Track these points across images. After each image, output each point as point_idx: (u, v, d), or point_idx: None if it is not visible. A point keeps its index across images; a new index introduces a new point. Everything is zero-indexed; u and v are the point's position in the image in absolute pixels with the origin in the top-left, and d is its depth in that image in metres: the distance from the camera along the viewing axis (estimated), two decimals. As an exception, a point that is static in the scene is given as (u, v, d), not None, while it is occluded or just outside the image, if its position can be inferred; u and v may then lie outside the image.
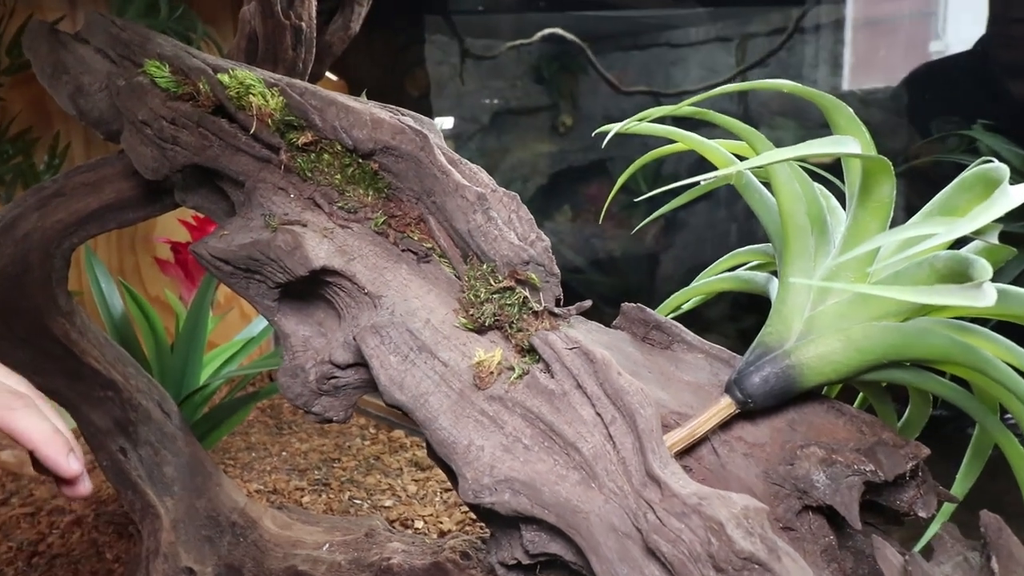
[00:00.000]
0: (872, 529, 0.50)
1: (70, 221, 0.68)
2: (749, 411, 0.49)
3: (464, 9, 2.19)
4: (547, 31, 2.19)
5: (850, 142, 0.39)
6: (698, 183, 0.53)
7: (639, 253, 2.13)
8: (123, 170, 0.72)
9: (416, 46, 2.09)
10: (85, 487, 0.50)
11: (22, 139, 1.14)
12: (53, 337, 0.72)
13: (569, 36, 2.20)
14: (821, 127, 0.44)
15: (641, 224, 0.66)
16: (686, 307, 0.63)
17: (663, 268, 2.11)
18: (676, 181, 0.53)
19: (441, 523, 0.94)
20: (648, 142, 0.58)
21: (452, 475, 0.50)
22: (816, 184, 0.50)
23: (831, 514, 0.48)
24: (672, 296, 0.62)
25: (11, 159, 1.13)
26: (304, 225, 0.55)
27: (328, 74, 0.84)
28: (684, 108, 0.46)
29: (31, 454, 0.48)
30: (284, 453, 1.15)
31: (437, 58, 2.15)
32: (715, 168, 0.53)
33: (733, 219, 2.01)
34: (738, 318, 1.72)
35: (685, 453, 0.49)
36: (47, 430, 0.47)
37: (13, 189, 1.13)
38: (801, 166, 0.48)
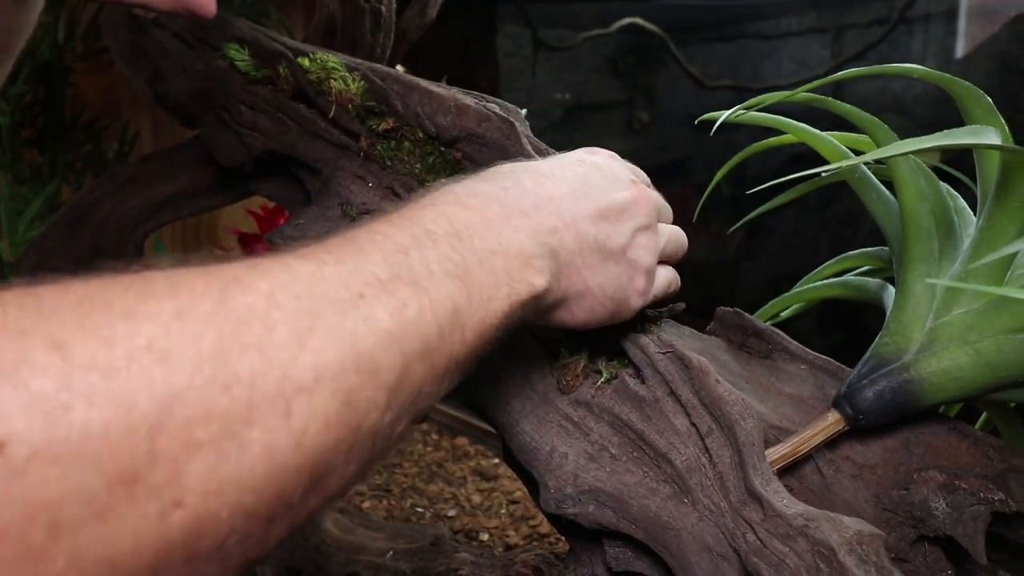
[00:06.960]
0: (997, 566, 0.47)
1: (144, 207, 0.70)
2: (859, 429, 0.47)
3: (539, -4, 2.18)
4: (626, 20, 2.17)
5: (990, 133, 0.37)
6: (800, 180, 0.52)
7: (719, 260, 2.09)
8: (197, 156, 0.74)
9: (487, 36, 2.09)
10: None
11: (92, 126, 1.19)
12: (123, 325, 0.74)
13: (649, 27, 2.18)
14: (930, 125, 0.42)
15: (735, 226, 0.64)
16: (785, 314, 0.61)
17: (746, 276, 2.06)
18: (762, 182, 0.52)
19: (507, 537, 0.93)
20: (732, 141, 0.57)
21: (531, 484, 0.49)
22: (942, 183, 0.48)
23: (950, 546, 0.46)
24: (770, 303, 0.61)
25: (82, 146, 1.18)
26: (383, 215, 0.55)
27: (398, 66, 0.85)
28: (801, 95, 0.45)
29: None
30: (343, 456, 1.16)
31: (508, 49, 2.15)
32: (812, 162, 0.51)
33: (823, 226, 1.95)
34: (828, 332, 1.67)
35: (786, 472, 0.48)
36: None
37: (83, 177, 1.18)
38: (927, 164, 0.46)
